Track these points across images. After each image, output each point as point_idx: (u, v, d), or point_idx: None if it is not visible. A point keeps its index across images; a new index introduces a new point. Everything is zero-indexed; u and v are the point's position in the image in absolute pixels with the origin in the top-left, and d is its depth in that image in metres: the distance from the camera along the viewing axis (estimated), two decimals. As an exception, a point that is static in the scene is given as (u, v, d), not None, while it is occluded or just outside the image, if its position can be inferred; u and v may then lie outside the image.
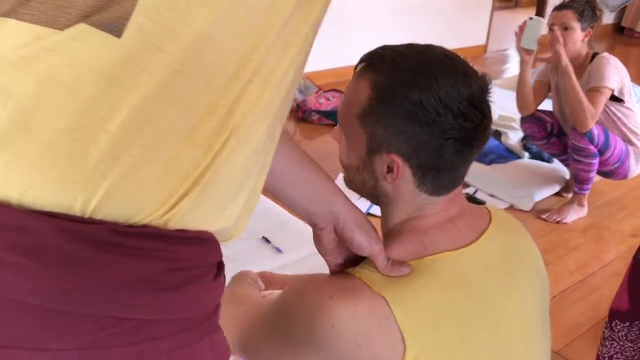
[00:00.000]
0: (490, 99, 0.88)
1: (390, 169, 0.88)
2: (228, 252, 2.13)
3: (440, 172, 0.87)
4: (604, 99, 2.74)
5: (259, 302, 1.04)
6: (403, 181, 0.89)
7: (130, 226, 0.51)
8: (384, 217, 0.96)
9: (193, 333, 0.57)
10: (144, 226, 0.52)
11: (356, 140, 0.90)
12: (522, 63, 2.98)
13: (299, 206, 0.89)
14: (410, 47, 0.88)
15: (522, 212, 3.04)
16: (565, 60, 2.72)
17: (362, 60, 0.90)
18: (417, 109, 0.82)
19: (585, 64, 2.86)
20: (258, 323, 0.96)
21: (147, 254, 0.52)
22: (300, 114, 4.09)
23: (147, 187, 0.51)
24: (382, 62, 0.87)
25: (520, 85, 3.02)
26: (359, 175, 0.93)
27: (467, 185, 3.23)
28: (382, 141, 0.86)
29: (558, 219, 2.98)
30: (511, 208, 3.07)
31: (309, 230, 0.94)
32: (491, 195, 3.14)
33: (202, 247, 0.57)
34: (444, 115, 0.82)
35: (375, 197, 0.94)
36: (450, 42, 5.63)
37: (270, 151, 0.64)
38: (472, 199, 2.99)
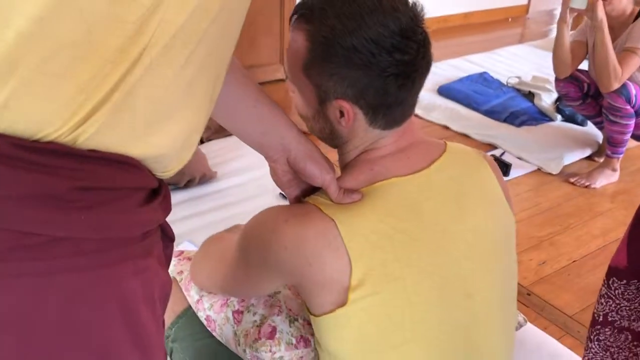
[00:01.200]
0: (424, 26, 0.88)
1: (342, 114, 0.90)
2: (246, 207, 2.17)
3: (389, 108, 0.89)
4: (637, 60, 2.62)
5: (229, 241, 1.06)
6: (356, 122, 0.91)
7: (35, 141, 0.50)
8: (341, 156, 0.99)
9: (111, 255, 0.56)
10: (50, 142, 0.50)
11: (306, 91, 0.92)
12: (561, 22, 2.83)
13: (252, 139, 0.93)
14: None
15: (550, 175, 2.96)
16: (600, 14, 2.59)
17: (294, 12, 0.91)
18: (352, 53, 0.84)
19: (628, 23, 2.73)
20: (227, 256, 1.00)
21: (53, 170, 0.51)
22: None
23: (49, 102, 0.49)
24: (311, 12, 0.88)
25: (557, 46, 2.89)
26: (316, 124, 0.96)
27: (494, 147, 3.16)
28: (328, 90, 0.89)
29: (587, 184, 2.89)
30: (539, 170, 3.00)
31: None
32: (519, 158, 3.06)
33: (123, 170, 0.55)
34: (378, 55, 0.84)
35: (332, 140, 0.98)
36: (489, 0, 5.48)
37: (212, 89, 0.63)
38: (498, 160, 2.92)
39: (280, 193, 2.52)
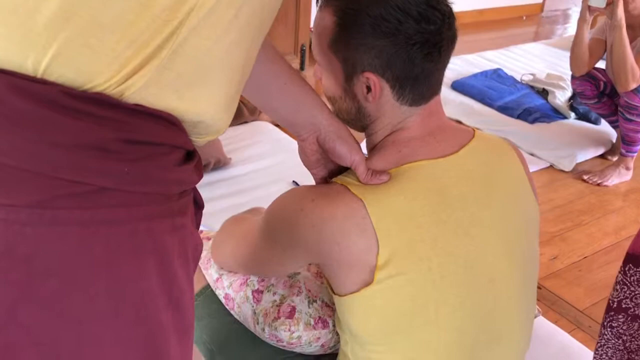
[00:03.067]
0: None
1: (369, 89, 0.90)
2: (259, 194, 2.17)
3: (416, 80, 0.90)
4: None
5: (252, 220, 1.07)
6: (383, 98, 0.92)
7: (84, 91, 0.51)
8: (369, 137, 0.99)
9: (151, 210, 0.57)
10: (98, 93, 0.52)
11: (333, 69, 0.93)
12: (581, 20, 2.82)
13: (283, 117, 0.94)
14: None
15: (562, 172, 2.96)
16: (619, 13, 2.58)
17: None
18: (379, 21, 0.85)
19: None
20: (249, 236, 1.01)
21: (99, 121, 0.52)
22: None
23: (99, 53, 0.51)
24: None
25: (576, 43, 2.87)
26: (344, 104, 0.96)
27: (507, 143, 3.15)
28: (355, 62, 0.89)
29: (599, 181, 2.89)
30: (551, 167, 2.99)
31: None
32: (531, 154, 3.06)
33: (164, 127, 0.57)
34: (405, 22, 0.85)
35: (360, 121, 0.97)
36: (505, -2, 5.46)
37: (244, 60, 0.64)
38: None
39: (294, 181, 2.53)
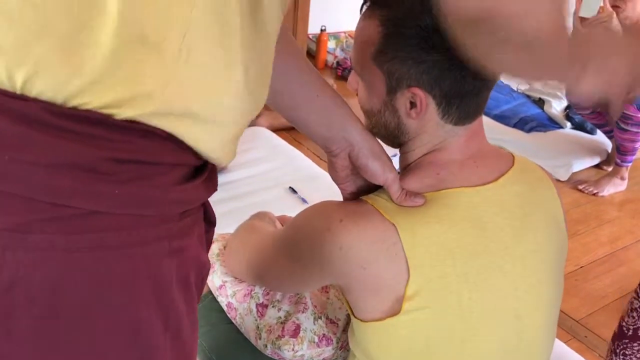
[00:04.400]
0: None
1: (413, 104, 0.85)
2: (254, 199, 2.15)
3: (464, 98, 0.84)
4: None
5: (271, 231, 1.04)
6: (427, 115, 0.86)
7: (71, 108, 0.48)
8: (404, 155, 0.93)
9: (145, 233, 0.54)
10: (85, 110, 0.48)
11: (374, 82, 0.87)
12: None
13: (314, 131, 0.88)
14: None
15: (558, 181, 2.97)
16: (614, 22, 2.60)
17: (365, 1, 0.87)
18: (431, 33, 0.78)
19: None
20: (268, 248, 0.97)
21: (86, 139, 0.49)
22: (339, 71, 4.06)
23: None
24: None
25: None
26: (381, 119, 0.90)
27: (503, 151, 3.16)
28: (401, 77, 0.83)
29: (595, 191, 2.90)
30: (547, 177, 3.00)
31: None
32: (527, 163, 3.06)
33: (159, 145, 0.53)
34: None
35: (397, 138, 0.92)
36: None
37: (262, 72, 0.61)
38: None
39: (290, 187, 2.52)
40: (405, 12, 0.81)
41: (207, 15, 0.51)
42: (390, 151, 0.92)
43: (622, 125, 2.77)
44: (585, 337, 1.98)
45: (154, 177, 0.53)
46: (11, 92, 0.47)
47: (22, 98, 0.47)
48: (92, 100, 0.48)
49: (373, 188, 0.90)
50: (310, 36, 4.09)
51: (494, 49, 0.63)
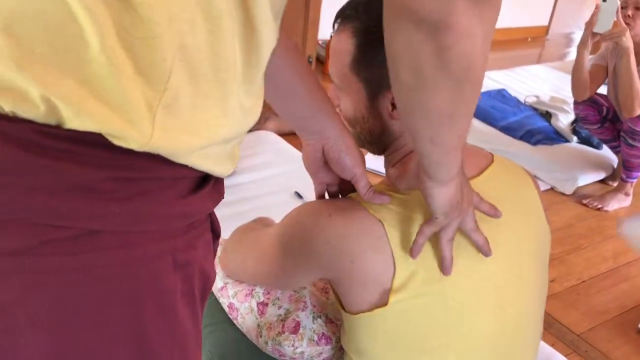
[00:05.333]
0: None
1: (394, 106, 0.90)
2: (260, 203, 2.16)
3: None
4: None
5: (264, 230, 1.06)
6: None
7: (68, 130, 0.47)
8: (391, 155, 0.98)
9: (149, 249, 0.53)
10: (83, 133, 0.47)
11: (355, 91, 0.92)
12: (581, 46, 2.83)
13: (294, 119, 0.93)
14: None
15: (562, 195, 2.97)
16: (627, 40, 2.61)
17: (337, 18, 0.93)
18: None
19: None
20: (262, 246, 1.00)
21: (83, 159, 0.48)
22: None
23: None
24: (356, 11, 0.90)
25: (576, 69, 2.89)
26: (365, 125, 0.95)
27: (509, 163, 3.17)
28: (380, 80, 0.88)
29: (599, 206, 2.90)
30: (552, 190, 3.00)
31: None
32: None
33: (160, 159, 0.52)
34: None
35: (382, 142, 0.96)
36: (510, 19, 5.50)
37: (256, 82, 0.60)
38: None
39: (296, 192, 2.54)
40: (375, 20, 0.84)
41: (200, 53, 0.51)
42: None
43: (630, 141, 2.77)
44: (586, 351, 1.98)
45: (156, 192, 0.53)
46: (2, 114, 0.46)
47: (14, 120, 0.46)
48: (87, 125, 0.47)
49: (350, 189, 0.94)
50: (320, 42, 4.11)
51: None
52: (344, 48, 0.91)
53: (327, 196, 1.01)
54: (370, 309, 0.86)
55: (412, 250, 0.84)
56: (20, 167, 0.46)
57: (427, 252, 0.85)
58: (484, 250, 0.86)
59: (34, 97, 0.45)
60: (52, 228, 0.48)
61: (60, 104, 0.46)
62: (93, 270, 0.50)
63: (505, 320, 0.91)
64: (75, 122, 0.47)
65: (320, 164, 0.94)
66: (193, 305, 0.60)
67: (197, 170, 0.57)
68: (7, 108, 0.46)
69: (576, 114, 3.12)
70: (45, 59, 0.45)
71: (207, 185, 0.59)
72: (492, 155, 0.99)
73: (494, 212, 0.88)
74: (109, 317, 0.52)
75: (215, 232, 0.68)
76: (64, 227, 0.48)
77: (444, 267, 0.84)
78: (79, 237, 0.49)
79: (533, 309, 0.97)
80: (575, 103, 3.03)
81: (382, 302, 0.85)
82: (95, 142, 0.48)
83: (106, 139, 0.48)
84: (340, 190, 1.00)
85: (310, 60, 3.70)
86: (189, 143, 0.53)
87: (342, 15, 0.92)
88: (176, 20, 0.48)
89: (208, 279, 0.63)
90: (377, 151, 1.00)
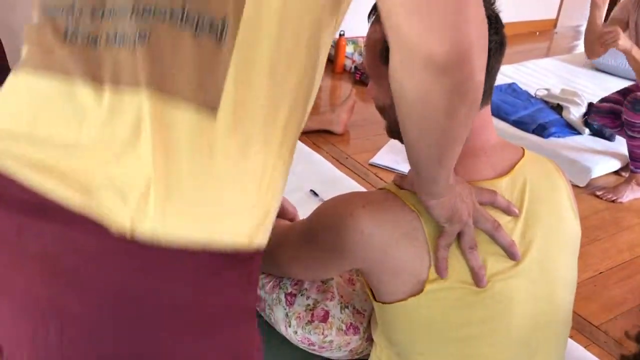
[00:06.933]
0: (495, 5, 0.91)
1: None
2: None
3: None
4: None
5: (292, 224, 1.08)
6: None
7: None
8: None
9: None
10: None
11: (384, 80, 0.92)
12: (593, 6, 2.77)
13: None
14: None
15: (576, 187, 2.97)
16: None
17: (372, 10, 0.93)
18: None
19: None
20: (291, 237, 1.01)
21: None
22: (358, 75, 4.09)
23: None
24: None
25: (588, 30, 2.83)
26: (393, 114, 0.94)
27: (521, 157, 3.17)
28: None
29: (613, 198, 2.90)
30: (565, 183, 3.00)
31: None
32: (546, 169, 3.07)
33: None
34: None
35: None
36: (518, 13, 5.49)
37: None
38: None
39: (311, 190, 2.55)
40: None
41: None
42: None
43: (630, 133, 2.76)
44: (605, 342, 1.99)
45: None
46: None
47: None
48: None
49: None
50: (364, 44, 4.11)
51: None
52: (376, 38, 0.91)
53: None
54: (405, 298, 0.87)
55: (438, 268, 0.85)
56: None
57: (460, 247, 0.87)
58: (477, 277, 0.86)
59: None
60: None
61: None
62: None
63: (538, 314, 0.92)
64: None
65: None
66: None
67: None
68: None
69: (595, 125, 3.04)
70: None
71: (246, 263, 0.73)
72: (523, 150, 1.00)
73: (510, 210, 0.89)
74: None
75: None
76: None
77: (477, 279, 0.86)
78: None
79: (564, 304, 0.97)
80: (592, 113, 2.96)
81: (417, 291, 0.86)
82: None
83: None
84: None
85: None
86: None
87: (376, 7, 0.93)
88: None
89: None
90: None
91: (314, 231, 0.95)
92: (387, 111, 0.97)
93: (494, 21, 0.89)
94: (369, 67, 0.96)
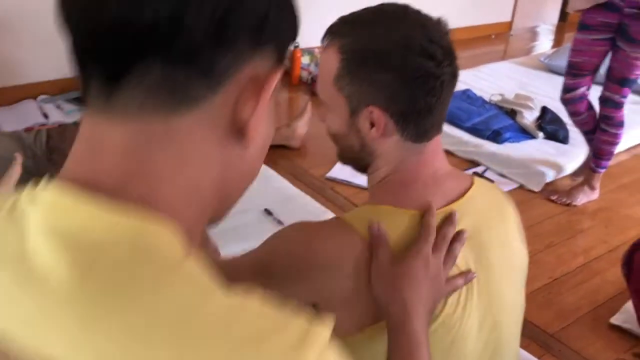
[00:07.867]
0: (449, 35, 0.92)
1: (372, 124, 0.91)
2: (229, 223, 2.12)
3: (419, 115, 0.90)
4: None
5: (231, 259, 1.06)
6: (387, 132, 0.92)
7: None
8: (371, 175, 0.99)
9: None
10: None
11: (338, 106, 0.94)
12: None
13: None
14: (365, 9, 0.93)
15: (531, 192, 3.00)
16: None
17: (325, 35, 0.94)
18: (383, 56, 0.88)
19: None
20: (242, 270, 0.97)
21: None
22: (314, 87, 4.08)
23: None
24: (343, 27, 0.92)
25: None
26: (347, 141, 0.97)
27: (477, 164, 3.20)
28: (360, 97, 0.90)
29: (568, 201, 2.93)
30: (521, 188, 3.03)
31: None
32: (501, 175, 3.10)
33: None
34: (408, 57, 0.87)
35: (363, 159, 0.98)
36: (473, 17, 5.55)
37: None
38: (481, 177, 2.95)
39: (265, 209, 2.53)
40: (360, 39, 0.90)
41: None
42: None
43: (603, 126, 2.78)
44: (559, 351, 2.00)
45: None
46: None
47: None
48: None
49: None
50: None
51: None
52: (330, 64, 0.91)
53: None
54: (362, 330, 0.87)
55: None
56: None
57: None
58: None
59: None
60: None
61: None
62: None
63: (488, 342, 0.94)
64: None
65: None
66: None
67: None
68: None
69: (567, 110, 2.96)
70: None
71: None
72: (472, 178, 1.01)
73: (461, 238, 0.91)
74: None
75: None
76: None
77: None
78: None
79: (511, 331, 1.00)
80: (565, 103, 2.90)
81: (377, 319, 0.86)
82: None
83: None
84: None
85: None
86: None
87: (330, 32, 0.94)
88: None
89: None
90: (360, 168, 1.01)
91: (268, 263, 0.93)
92: (340, 139, 0.98)
93: (447, 53, 0.90)
94: (323, 93, 0.96)
